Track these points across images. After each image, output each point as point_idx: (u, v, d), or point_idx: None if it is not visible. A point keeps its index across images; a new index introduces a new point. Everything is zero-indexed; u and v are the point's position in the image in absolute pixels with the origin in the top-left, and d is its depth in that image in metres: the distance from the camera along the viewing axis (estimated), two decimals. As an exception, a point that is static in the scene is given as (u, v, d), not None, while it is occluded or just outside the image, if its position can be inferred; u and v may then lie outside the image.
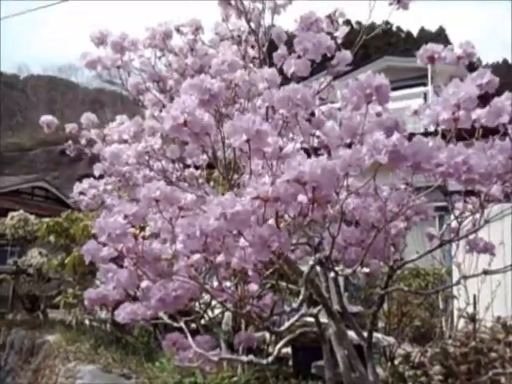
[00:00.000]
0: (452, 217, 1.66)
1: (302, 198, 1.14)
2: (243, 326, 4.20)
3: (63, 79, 49.40)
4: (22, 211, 9.71)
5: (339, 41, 1.98)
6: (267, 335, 4.12)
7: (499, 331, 2.67)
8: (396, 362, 3.19)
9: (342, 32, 2.04)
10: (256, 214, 1.14)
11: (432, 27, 33.25)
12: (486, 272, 1.76)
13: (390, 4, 1.97)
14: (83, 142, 2.62)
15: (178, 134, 1.34)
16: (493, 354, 2.47)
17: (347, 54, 1.74)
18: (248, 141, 1.22)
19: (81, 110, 2.73)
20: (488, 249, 1.53)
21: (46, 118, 2.60)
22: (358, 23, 26.92)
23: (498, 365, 2.41)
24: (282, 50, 1.89)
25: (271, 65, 2.17)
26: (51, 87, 46.39)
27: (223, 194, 1.94)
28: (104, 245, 1.32)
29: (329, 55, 1.73)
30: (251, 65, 2.47)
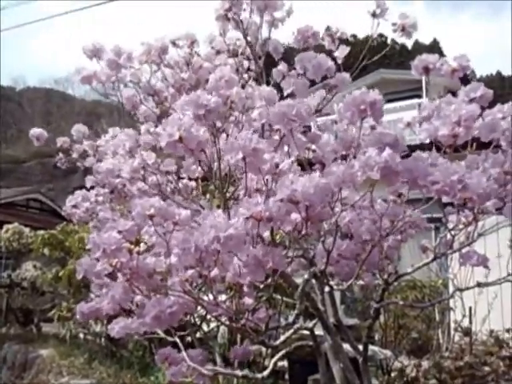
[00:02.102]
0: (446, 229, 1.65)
1: (295, 216, 1.13)
2: (239, 339, 4.17)
3: (59, 91, 49.38)
4: (16, 224, 9.66)
5: (339, 61, 1.97)
6: (263, 348, 4.09)
7: (493, 345, 2.67)
8: (392, 375, 3.17)
9: (342, 52, 2.03)
10: (250, 234, 1.13)
11: (426, 40, 33.72)
12: (479, 284, 1.76)
13: (395, 31, 1.97)
14: (74, 155, 2.59)
15: (174, 150, 1.34)
16: (486, 368, 2.46)
17: (346, 77, 1.73)
18: (244, 158, 1.22)
19: (77, 122, 2.70)
20: (481, 262, 1.52)
21: (34, 131, 2.51)
22: (354, 36, 27.25)
23: (492, 378, 2.40)
24: (283, 66, 1.89)
25: (268, 76, 2.18)
26: (47, 99, 46.35)
27: (219, 207, 1.94)
28: (98, 260, 1.31)
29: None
30: (245, 75, 2.47)
